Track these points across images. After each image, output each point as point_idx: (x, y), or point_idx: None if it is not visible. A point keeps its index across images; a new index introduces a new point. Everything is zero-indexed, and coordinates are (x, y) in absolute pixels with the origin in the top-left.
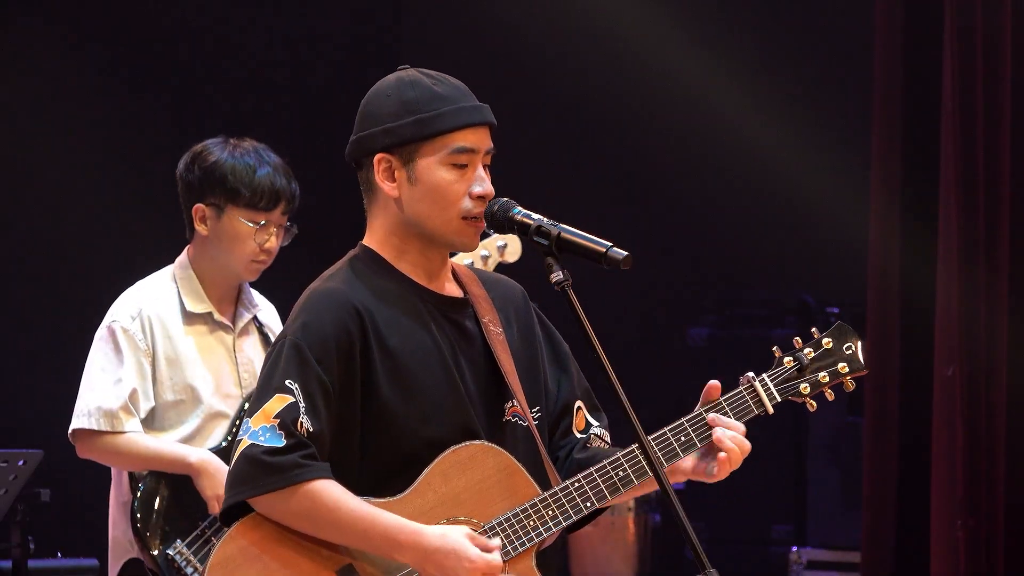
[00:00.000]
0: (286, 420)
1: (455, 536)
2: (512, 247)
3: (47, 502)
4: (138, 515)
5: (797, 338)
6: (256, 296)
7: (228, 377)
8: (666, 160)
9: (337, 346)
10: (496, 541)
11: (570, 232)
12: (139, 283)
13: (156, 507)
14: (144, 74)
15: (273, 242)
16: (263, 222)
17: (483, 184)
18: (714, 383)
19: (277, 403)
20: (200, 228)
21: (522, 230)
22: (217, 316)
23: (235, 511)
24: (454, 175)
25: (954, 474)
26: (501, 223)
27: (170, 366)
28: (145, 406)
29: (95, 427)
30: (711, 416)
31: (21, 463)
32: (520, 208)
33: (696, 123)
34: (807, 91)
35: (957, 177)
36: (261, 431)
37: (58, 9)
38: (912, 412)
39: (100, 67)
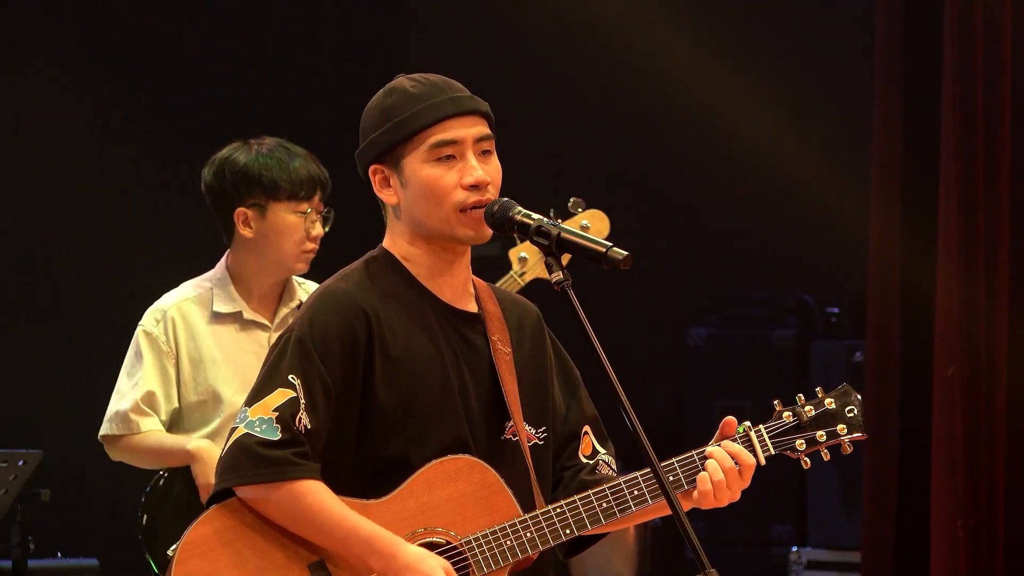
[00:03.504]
0: (285, 415)
1: (432, 562)
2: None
3: (47, 502)
4: (144, 515)
5: (800, 395)
6: (306, 289)
7: (255, 374)
8: (666, 160)
9: (341, 347)
10: None
11: (570, 232)
12: (175, 289)
13: (162, 508)
14: (146, 78)
15: (319, 228)
16: (307, 211)
17: (473, 173)
18: (729, 420)
19: (278, 397)
20: (244, 232)
21: (522, 230)
22: (248, 315)
23: (222, 498)
24: (440, 169)
25: (954, 474)
26: (500, 223)
27: (193, 367)
28: (167, 407)
29: (113, 432)
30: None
31: (21, 463)
32: (520, 208)
33: (696, 123)
34: (807, 91)
35: (957, 177)
36: (258, 422)
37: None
38: (912, 412)
39: (104, 71)
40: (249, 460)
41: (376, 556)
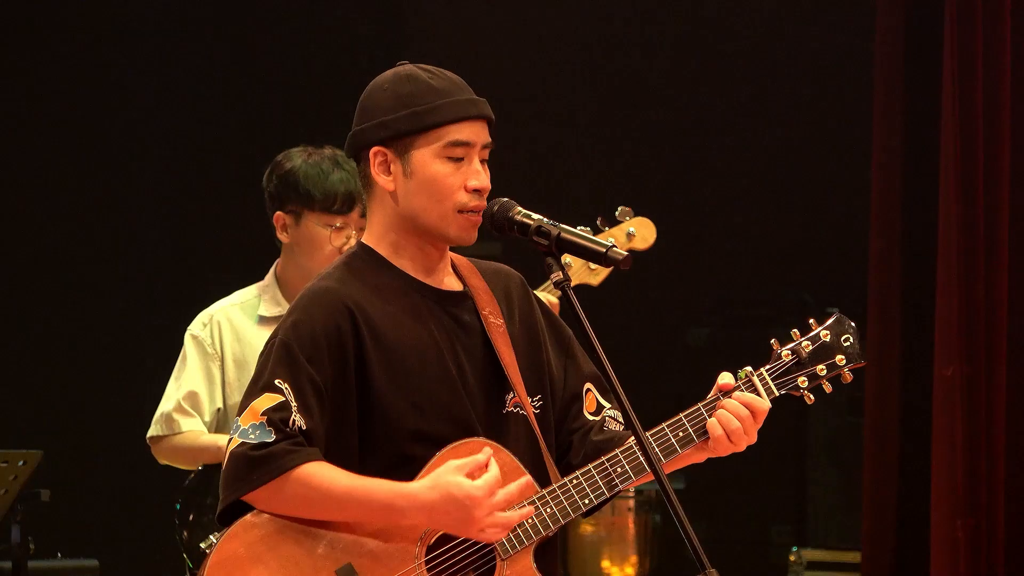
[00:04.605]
0: (274, 418)
1: (445, 479)
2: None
3: (47, 502)
4: (179, 518)
5: (795, 330)
6: None
7: None
8: (666, 159)
9: (328, 344)
10: (485, 451)
11: (570, 232)
12: (227, 296)
13: (196, 507)
14: (147, 78)
15: (352, 244)
16: (339, 225)
17: (479, 178)
18: (726, 378)
19: (266, 401)
20: (282, 236)
21: (522, 230)
22: None
23: (231, 512)
24: (449, 168)
25: (954, 474)
26: (501, 223)
27: (238, 368)
28: (210, 408)
29: (158, 433)
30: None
31: (21, 463)
32: (520, 208)
33: (696, 123)
34: (808, 91)
35: (957, 177)
36: (250, 428)
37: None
38: (912, 412)
39: (111, 66)
40: (246, 466)
41: (404, 515)
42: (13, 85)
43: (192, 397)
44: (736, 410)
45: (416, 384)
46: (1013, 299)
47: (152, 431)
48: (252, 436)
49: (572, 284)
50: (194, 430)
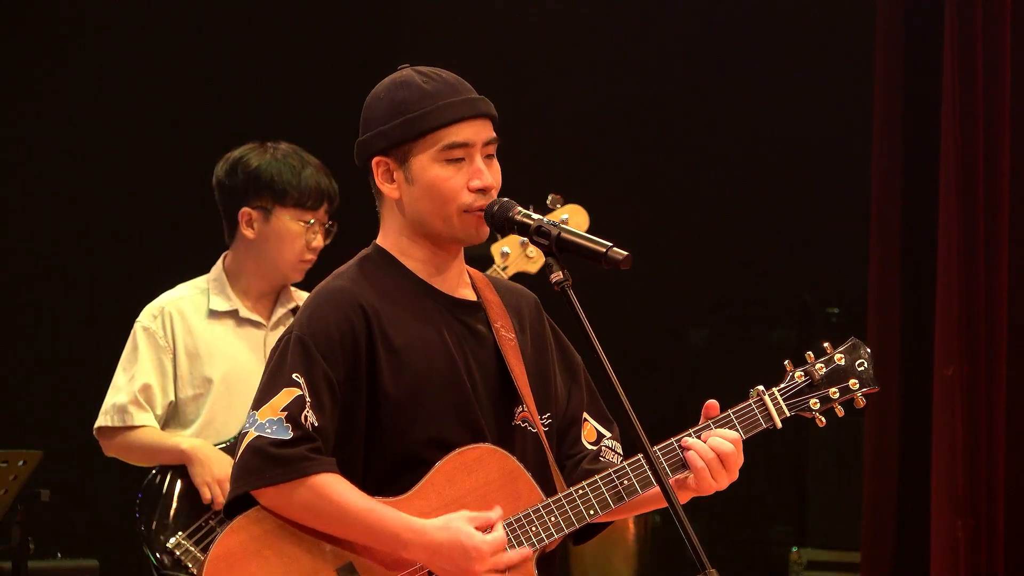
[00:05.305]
0: (293, 413)
1: (457, 524)
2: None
3: (47, 502)
4: (140, 510)
5: (809, 353)
6: (300, 295)
7: (252, 370)
8: (666, 159)
9: (342, 343)
10: (496, 511)
11: (570, 232)
12: (171, 289)
13: (160, 501)
14: (145, 78)
15: (319, 240)
16: (311, 221)
17: (482, 177)
18: (712, 403)
19: (284, 397)
20: (247, 232)
21: (522, 230)
22: (244, 313)
23: (239, 504)
24: (450, 171)
25: (954, 474)
26: (501, 223)
27: (190, 361)
28: (163, 401)
29: (110, 424)
30: (700, 436)
31: (21, 463)
32: (520, 208)
33: (696, 122)
34: (807, 90)
35: (957, 177)
36: (268, 423)
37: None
38: (912, 412)
39: (103, 70)
40: (264, 462)
41: (408, 548)
42: None
43: (146, 390)
44: (703, 452)
45: (426, 387)
46: (1013, 299)
47: (102, 421)
48: (269, 431)
49: (511, 272)
50: (151, 426)
